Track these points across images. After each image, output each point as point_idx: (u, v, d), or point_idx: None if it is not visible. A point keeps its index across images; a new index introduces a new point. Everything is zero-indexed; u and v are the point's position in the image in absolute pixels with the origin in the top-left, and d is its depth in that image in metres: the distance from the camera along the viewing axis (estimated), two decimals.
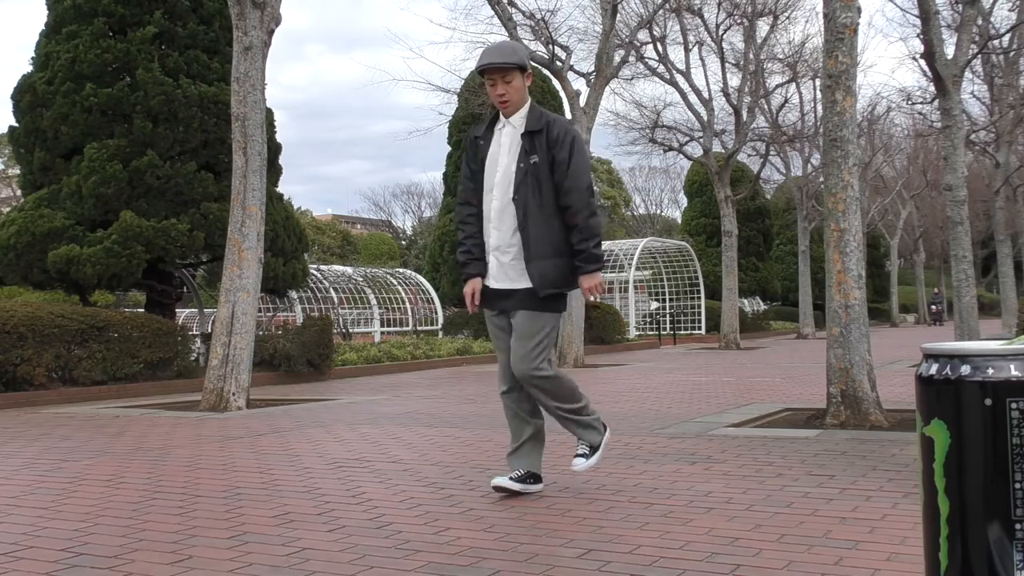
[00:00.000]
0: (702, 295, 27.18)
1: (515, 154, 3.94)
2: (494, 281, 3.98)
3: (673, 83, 20.35)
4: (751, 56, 21.06)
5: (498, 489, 3.97)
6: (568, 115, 15.16)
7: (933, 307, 40.75)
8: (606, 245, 27.86)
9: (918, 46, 15.23)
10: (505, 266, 3.94)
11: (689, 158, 23.09)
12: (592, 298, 4.09)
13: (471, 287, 4.03)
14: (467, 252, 4.05)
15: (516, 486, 3.97)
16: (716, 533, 3.26)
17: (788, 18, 24.69)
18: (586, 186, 3.91)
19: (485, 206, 4.00)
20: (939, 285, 49.59)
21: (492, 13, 14.41)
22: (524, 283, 3.91)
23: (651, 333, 24.90)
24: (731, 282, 20.43)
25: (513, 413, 4.04)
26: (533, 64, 16.44)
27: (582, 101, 14.75)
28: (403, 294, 21.21)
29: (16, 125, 12.80)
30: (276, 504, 3.94)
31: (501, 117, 4.04)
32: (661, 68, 20.26)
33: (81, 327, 9.95)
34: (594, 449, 4.05)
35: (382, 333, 19.73)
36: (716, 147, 21.89)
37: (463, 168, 4.17)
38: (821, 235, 23.10)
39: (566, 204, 3.88)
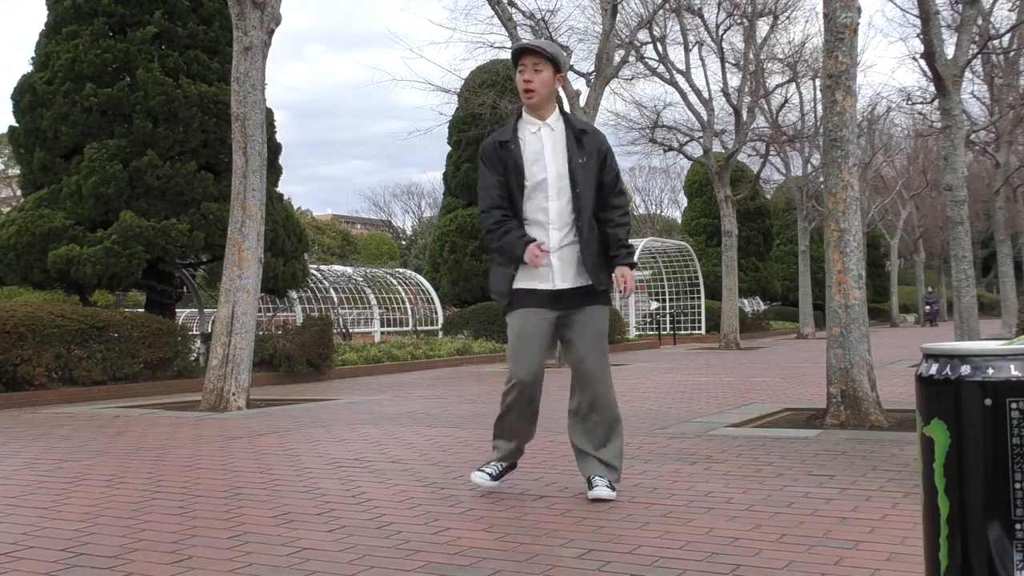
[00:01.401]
0: (702, 295, 27.17)
1: (565, 154, 3.91)
2: (560, 281, 3.88)
3: (673, 83, 20.35)
4: (751, 56, 21.06)
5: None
6: None
7: (928, 307, 39.38)
8: None
9: (918, 46, 15.24)
10: (566, 264, 3.89)
11: (689, 158, 23.10)
12: (624, 292, 3.99)
13: (535, 245, 3.81)
14: (516, 229, 3.87)
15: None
16: (716, 533, 3.26)
17: (788, 18, 24.72)
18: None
19: (534, 209, 3.88)
20: (937, 284, 49.52)
21: (492, 13, 14.42)
22: (583, 280, 3.92)
23: (651, 333, 24.89)
24: (731, 282, 20.43)
25: (532, 408, 4.00)
26: None
27: (582, 101, 14.75)
28: (403, 294, 21.20)
29: (16, 125, 12.80)
30: (276, 504, 3.94)
31: (529, 118, 3.97)
32: (661, 68, 20.26)
33: (81, 327, 9.95)
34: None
35: (382, 333, 19.72)
36: (716, 147, 21.89)
37: (487, 176, 3.95)
38: (821, 235, 23.12)
39: (618, 203, 3.98)
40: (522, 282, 3.91)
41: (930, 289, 40.22)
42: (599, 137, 4.02)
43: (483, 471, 4.08)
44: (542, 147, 3.92)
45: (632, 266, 3.99)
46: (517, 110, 4.06)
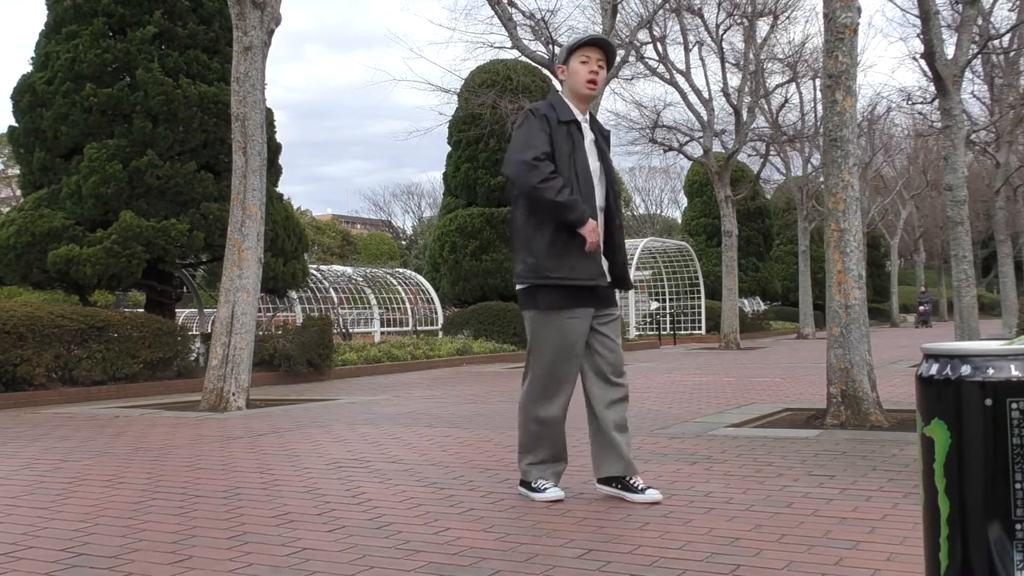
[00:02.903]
0: (702, 295, 27.17)
1: (596, 149, 3.93)
2: (609, 275, 3.88)
3: (673, 83, 20.35)
4: (751, 56, 21.06)
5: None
6: None
7: (921, 308, 37.69)
8: None
9: (918, 46, 15.24)
10: (607, 259, 3.90)
11: (689, 158, 23.09)
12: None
13: (595, 224, 3.69)
14: (572, 196, 3.69)
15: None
16: (716, 533, 3.26)
17: (788, 18, 24.73)
18: None
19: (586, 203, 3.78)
20: (937, 284, 49.44)
21: (492, 13, 14.43)
22: (615, 275, 3.95)
23: (651, 333, 24.89)
24: (731, 282, 20.43)
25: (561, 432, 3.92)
26: (533, 64, 16.44)
27: None
28: (403, 294, 21.20)
29: (16, 125, 12.80)
30: (276, 504, 3.94)
31: (572, 108, 3.89)
32: (661, 68, 20.26)
33: (81, 327, 9.95)
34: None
35: (382, 333, 19.72)
36: (716, 147, 21.88)
37: (538, 130, 3.74)
38: (821, 235, 23.11)
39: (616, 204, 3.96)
40: (576, 274, 3.72)
41: (923, 289, 39.60)
42: (606, 132, 4.09)
43: (546, 487, 3.86)
44: (584, 143, 3.91)
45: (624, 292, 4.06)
46: (554, 95, 3.98)
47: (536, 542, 3.19)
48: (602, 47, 3.92)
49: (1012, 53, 19.75)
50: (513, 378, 12.06)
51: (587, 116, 3.97)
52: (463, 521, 3.54)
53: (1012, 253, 22.87)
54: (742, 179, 28.80)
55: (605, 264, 3.86)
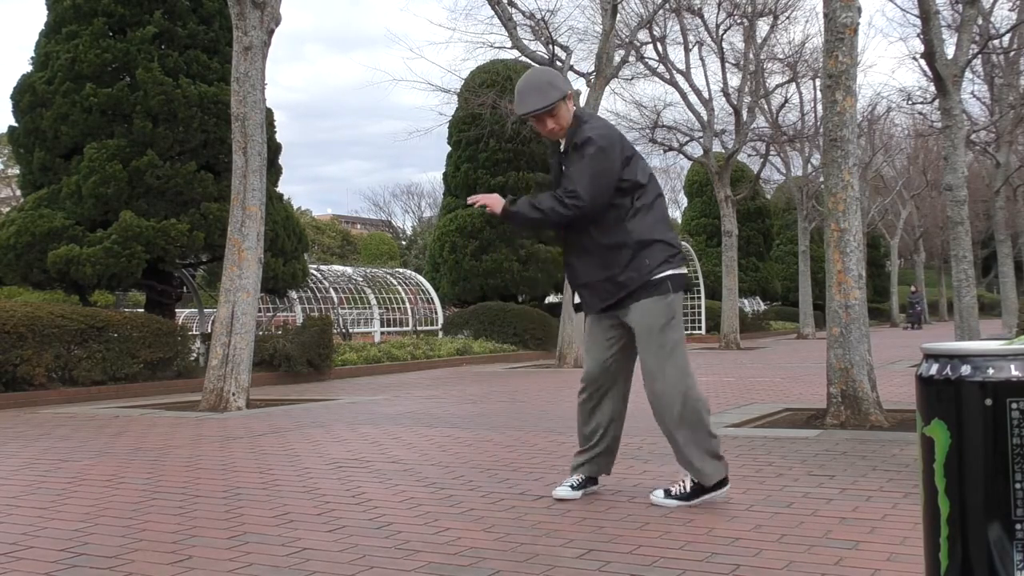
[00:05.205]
0: (702, 295, 27.16)
1: (559, 175, 3.93)
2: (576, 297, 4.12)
3: (673, 83, 20.34)
4: (751, 56, 21.05)
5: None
6: None
7: (912, 308, 36.06)
8: None
9: (918, 46, 15.25)
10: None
11: (689, 158, 23.08)
12: (471, 201, 3.86)
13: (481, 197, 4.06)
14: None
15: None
16: (716, 533, 3.26)
17: (788, 18, 24.73)
18: (578, 186, 3.68)
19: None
20: (938, 284, 49.39)
21: (492, 13, 14.42)
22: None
23: None
24: (731, 282, 20.43)
25: (587, 407, 4.17)
26: (533, 64, 16.44)
27: (582, 101, 14.73)
28: (403, 294, 21.19)
29: (16, 125, 12.80)
30: (276, 504, 3.94)
31: (561, 144, 3.98)
32: (661, 68, 20.25)
33: (81, 327, 9.95)
34: None
35: (382, 333, 19.71)
36: (716, 147, 21.87)
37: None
38: (821, 235, 23.10)
39: (557, 194, 3.74)
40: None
41: (914, 289, 39.07)
42: (580, 140, 3.75)
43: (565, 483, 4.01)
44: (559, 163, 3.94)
45: (503, 206, 3.77)
46: None
47: (536, 542, 3.19)
48: (537, 113, 3.80)
49: (1012, 53, 19.75)
50: (513, 378, 12.05)
51: (561, 140, 3.89)
52: (463, 521, 3.54)
53: (1012, 253, 22.88)
54: (742, 179, 28.80)
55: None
